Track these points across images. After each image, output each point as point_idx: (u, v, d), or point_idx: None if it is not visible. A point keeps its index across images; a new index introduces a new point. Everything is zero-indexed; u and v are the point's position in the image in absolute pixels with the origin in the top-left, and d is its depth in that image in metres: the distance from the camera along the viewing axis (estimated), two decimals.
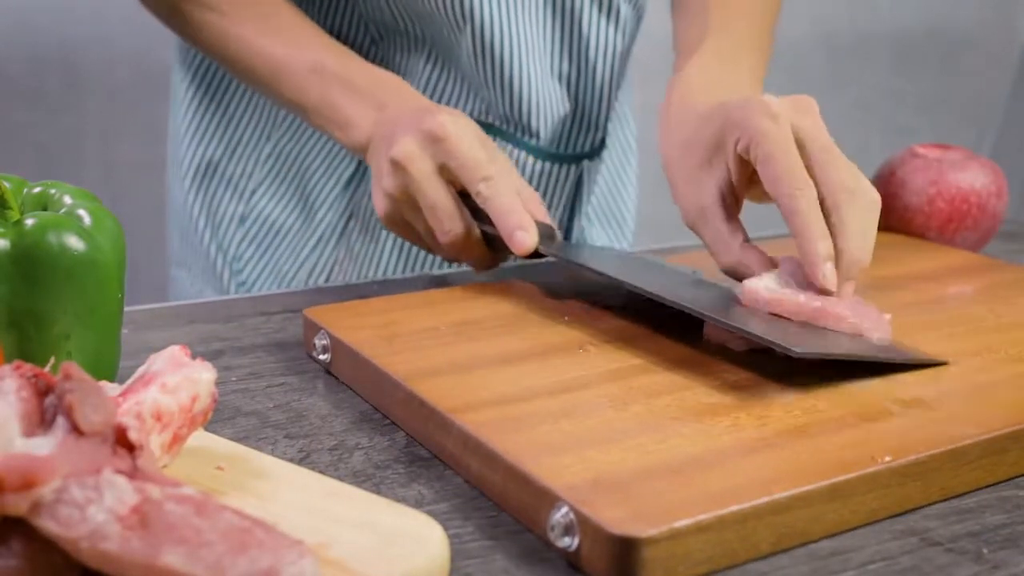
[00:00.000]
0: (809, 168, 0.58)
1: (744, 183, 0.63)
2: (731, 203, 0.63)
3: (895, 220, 0.83)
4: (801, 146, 0.59)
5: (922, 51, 2.10)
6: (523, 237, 0.65)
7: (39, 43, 1.44)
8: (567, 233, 0.93)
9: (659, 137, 0.70)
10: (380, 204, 0.70)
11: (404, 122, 0.69)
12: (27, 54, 1.44)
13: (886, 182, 0.85)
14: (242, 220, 0.90)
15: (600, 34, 0.86)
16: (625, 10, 0.87)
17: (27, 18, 1.25)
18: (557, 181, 0.89)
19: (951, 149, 0.85)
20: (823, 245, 0.57)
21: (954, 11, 2.12)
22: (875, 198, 0.59)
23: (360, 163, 0.88)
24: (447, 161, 0.66)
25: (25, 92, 1.45)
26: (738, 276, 0.61)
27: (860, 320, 0.56)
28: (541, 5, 0.83)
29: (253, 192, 0.90)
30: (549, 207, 0.90)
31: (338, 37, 0.84)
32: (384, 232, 0.87)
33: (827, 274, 0.57)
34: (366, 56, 0.85)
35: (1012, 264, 0.77)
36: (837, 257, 0.57)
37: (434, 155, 0.67)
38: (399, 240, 0.87)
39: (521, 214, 0.66)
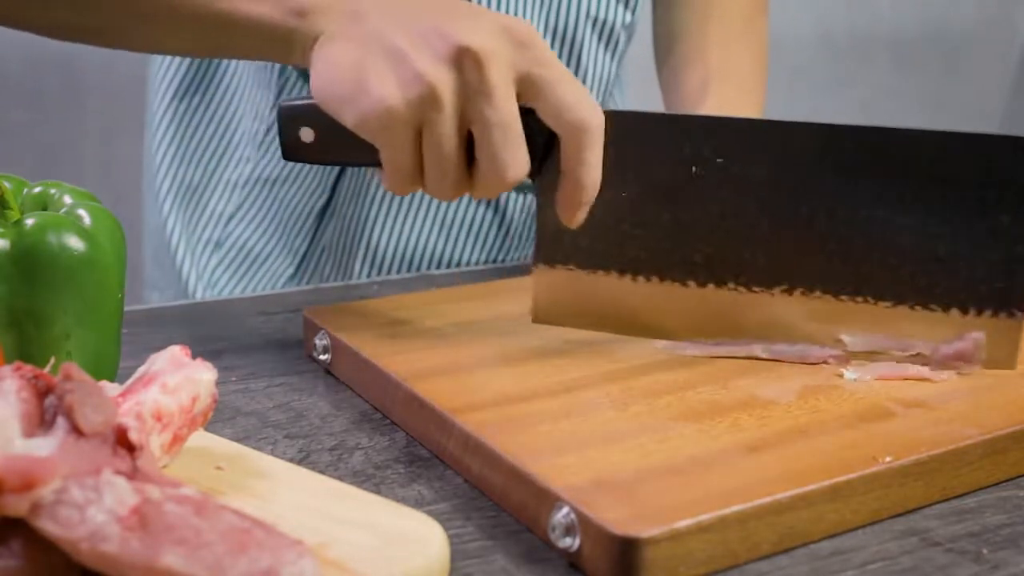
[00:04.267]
0: None
1: None
2: None
3: None
4: None
5: (922, 51, 2.10)
6: (584, 215, 0.55)
7: (39, 43, 1.44)
8: None
9: None
10: (392, 90, 0.51)
11: (458, 9, 0.54)
12: (27, 54, 1.44)
13: None
14: (218, 245, 0.89)
15: (597, 62, 0.86)
16: (623, 39, 0.87)
17: None
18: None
19: None
20: None
21: (954, 11, 2.12)
22: None
23: (333, 193, 0.85)
24: (537, 72, 0.52)
25: (25, 92, 1.45)
26: None
27: None
28: (541, 35, 0.83)
29: (230, 218, 0.89)
30: (532, 228, 0.89)
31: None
32: (357, 265, 0.86)
33: None
34: None
35: None
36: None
37: (520, 62, 0.52)
38: (371, 273, 0.86)
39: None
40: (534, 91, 0.52)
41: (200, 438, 0.45)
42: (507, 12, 0.79)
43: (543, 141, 0.54)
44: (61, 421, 0.36)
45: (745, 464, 0.45)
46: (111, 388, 0.42)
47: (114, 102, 1.49)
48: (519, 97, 0.52)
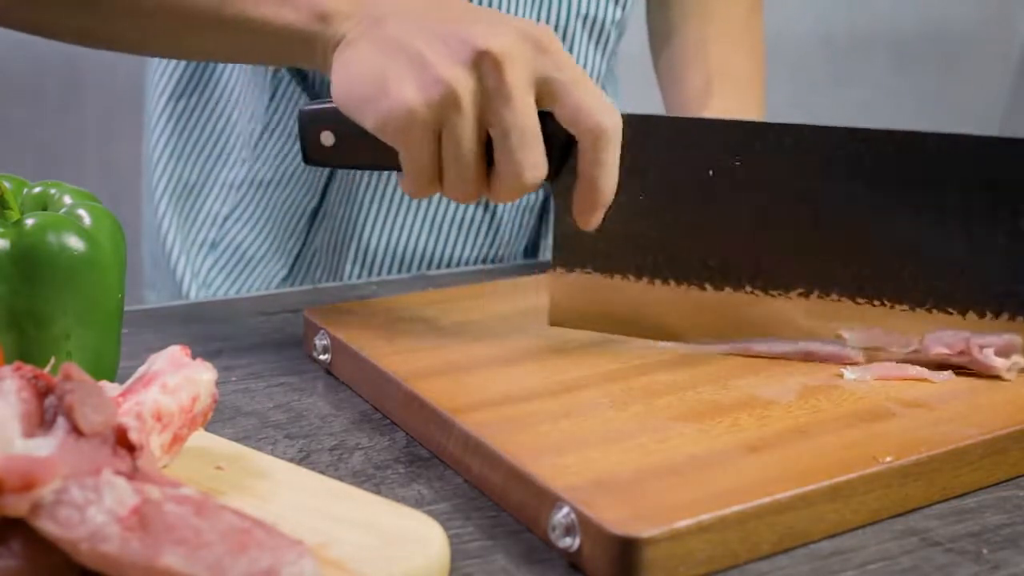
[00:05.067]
0: None
1: None
2: None
3: None
4: None
5: (922, 51, 2.10)
6: (601, 218, 0.55)
7: (39, 43, 1.44)
8: (542, 245, 0.93)
9: None
10: (412, 94, 0.52)
11: (478, 13, 0.55)
12: (27, 54, 1.44)
13: None
14: (214, 246, 0.89)
15: (587, 59, 0.86)
16: (613, 35, 0.87)
17: None
18: (537, 199, 0.89)
19: None
20: None
21: (954, 11, 2.12)
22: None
23: (324, 195, 0.86)
24: (554, 75, 0.52)
25: (25, 92, 1.45)
26: None
27: None
28: None
29: (226, 218, 0.89)
30: (522, 226, 0.90)
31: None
32: (348, 266, 0.86)
33: None
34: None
35: None
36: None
37: (538, 66, 0.52)
38: (363, 273, 0.86)
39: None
40: (552, 95, 0.52)
41: (200, 438, 0.45)
42: (499, 9, 0.79)
43: (561, 144, 0.54)
44: (61, 421, 0.36)
45: (745, 464, 0.45)
46: (111, 388, 0.42)
47: (114, 102, 1.49)
48: (537, 100, 0.52)
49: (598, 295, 0.59)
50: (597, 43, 0.86)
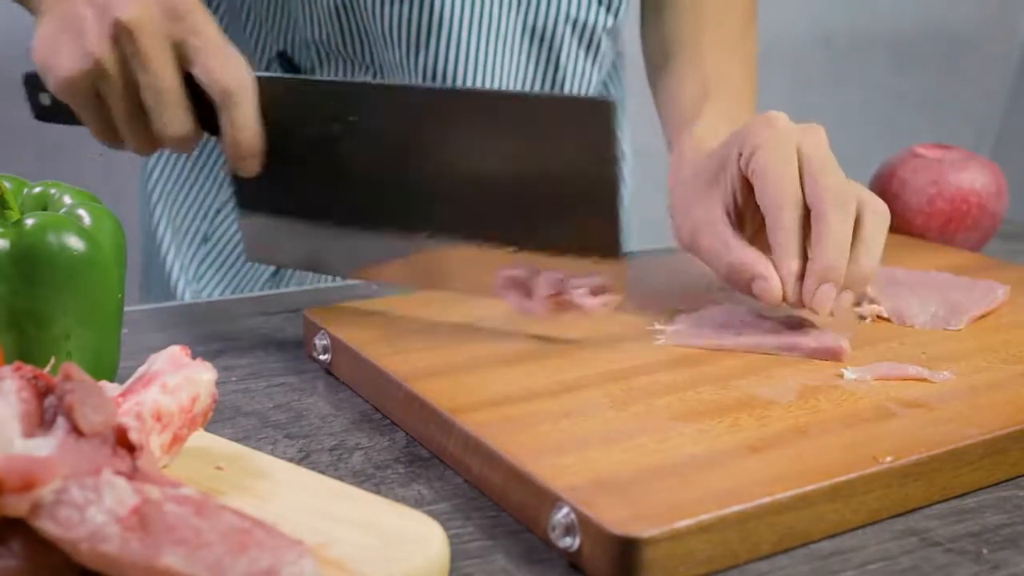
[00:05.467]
0: (803, 181, 0.58)
1: (747, 202, 0.61)
2: (735, 220, 0.62)
3: (895, 220, 0.83)
4: (800, 163, 0.58)
5: (922, 51, 2.10)
6: (254, 166, 0.61)
7: None
8: None
9: (668, 178, 0.70)
10: (70, 63, 0.58)
11: None
12: (27, 54, 1.44)
13: (886, 182, 0.85)
14: (206, 239, 0.89)
15: (577, 67, 0.86)
16: (605, 44, 0.87)
17: (28, 18, 1.25)
18: None
19: (951, 149, 0.85)
20: (794, 264, 0.57)
21: (954, 11, 2.12)
22: (881, 208, 0.58)
23: None
24: (188, 39, 0.58)
25: (25, 92, 1.45)
26: (738, 280, 0.60)
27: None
28: (519, 37, 0.82)
29: (218, 212, 0.89)
30: None
31: (286, 58, 0.83)
32: None
33: (790, 292, 0.57)
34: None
35: (1012, 264, 0.77)
36: (810, 263, 0.57)
37: (174, 31, 0.58)
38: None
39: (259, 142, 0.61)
40: (187, 58, 0.58)
41: (200, 438, 0.45)
42: (483, 13, 0.79)
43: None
44: (61, 421, 0.36)
45: (745, 464, 0.45)
46: (111, 388, 0.42)
47: None
48: (181, 65, 0.58)
49: (280, 235, 0.64)
50: (587, 49, 0.85)
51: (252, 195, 0.64)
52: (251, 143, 0.59)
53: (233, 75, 0.58)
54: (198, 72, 0.58)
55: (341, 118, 0.60)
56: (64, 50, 0.58)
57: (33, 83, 0.65)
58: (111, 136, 0.61)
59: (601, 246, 0.56)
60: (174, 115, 0.58)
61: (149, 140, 0.60)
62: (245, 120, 0.59)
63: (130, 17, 0.56)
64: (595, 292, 0.57)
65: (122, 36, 0.57)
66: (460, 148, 0.58)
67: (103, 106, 0.60)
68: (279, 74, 0.64)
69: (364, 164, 0.60)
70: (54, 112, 0.65)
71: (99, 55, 0.57)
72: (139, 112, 0.59)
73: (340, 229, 0.62)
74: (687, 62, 0.85)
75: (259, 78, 0.59)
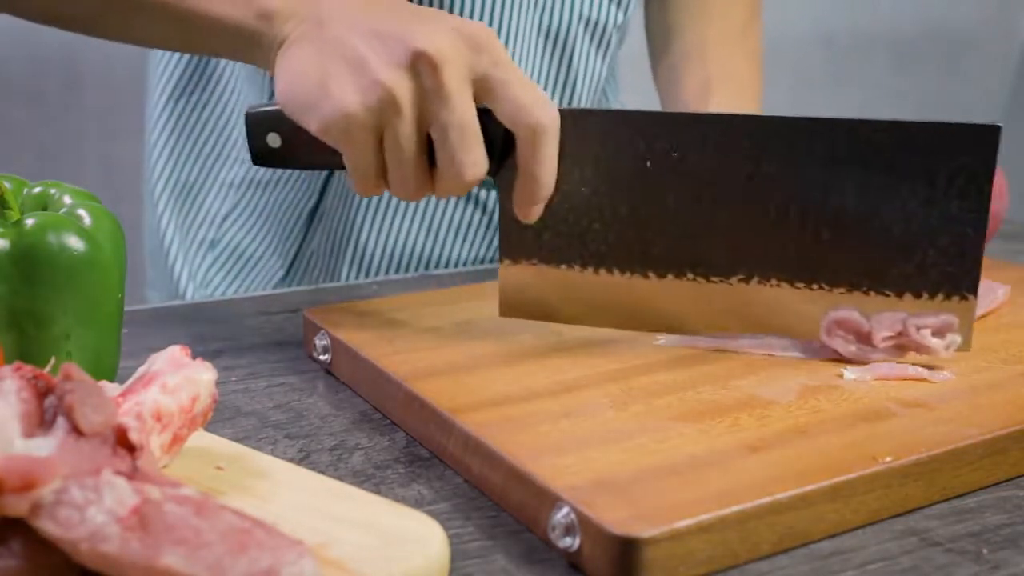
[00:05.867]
0: None
1: None
2: None
3: None
4: None
5: (922, 51, 2.10)
6: (539, 213, 0.57)
7: (39, 43, 1.45)
8: None
9: None
10: (351, 97, 0.52)
11: (418, 14, 0.55)
12: (27, 54, 1.44)
13: None
14: (212, 245, 0.89)
15: (588, 63, 0.86)
16: (614, 39, 0.87)
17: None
18: None
19: None
20: None
21: (954, 11, 2.12)
22: None
23: (321, 196, 0.85)
24: (491, 73, 0.53)
25: (25, 92, 1.45)
26: None
27: None
28: (534, 37, 0.82)
29: (225, 218, 0.89)
30: None
31: None
32: (345, 268, 0.86)
33: None
34: None
35: (1012, 264, 0.77)
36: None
37: (475, 64, 0.53)
38: (359, 275, 0.86)
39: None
40: (490, 92, 0.53)
41: (200, 438, 0.45)
42: (499, 13, 0.79)
43: (501, 139, 0.55)
44: (61, 421, 0.36)
45: (745, 464, 0.45)
46: (111, 388, 0.42)
47: (114, 102, 1.49)
48: (476, 98, 0.53)
49: (545, 286, 0.60)
50: (599, 47, 0.86)
51: (522, 242, 0.59)
52: (551, 183, 0.55)
53: (545, 109, 0.53)
54: (502, 106, 0.53)
55: (657, 152, 0.56)
56: (341, 82, 0.52)
57: (261, 122, 0.59)
58: (374, 179, 0.55)
59: (956, 284, 0.54)
60: (479, 154, 0.53)
61: (426, 183, 0.55)
62: (553, 159, 0.54)
63: (435, 49, 0.51)
64: (940, 332, 0.55)
65: (422, 68, 0.52)
66: (799, 181, 0.55)
67: (378, 146, 0.54)
68: (580, 107, 0.58)
69: (676, 201, 0.57)
70: (281, 154, 0.60)
71: (392, 87, 0.52)
72: (423, 152, 0.54)
73: (634, 275, 0.58)
74: (690, 52, 0.85)
75: (562, 111, 0.55)
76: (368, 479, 0.48)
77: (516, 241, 0.59)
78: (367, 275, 0.86)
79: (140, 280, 0.96)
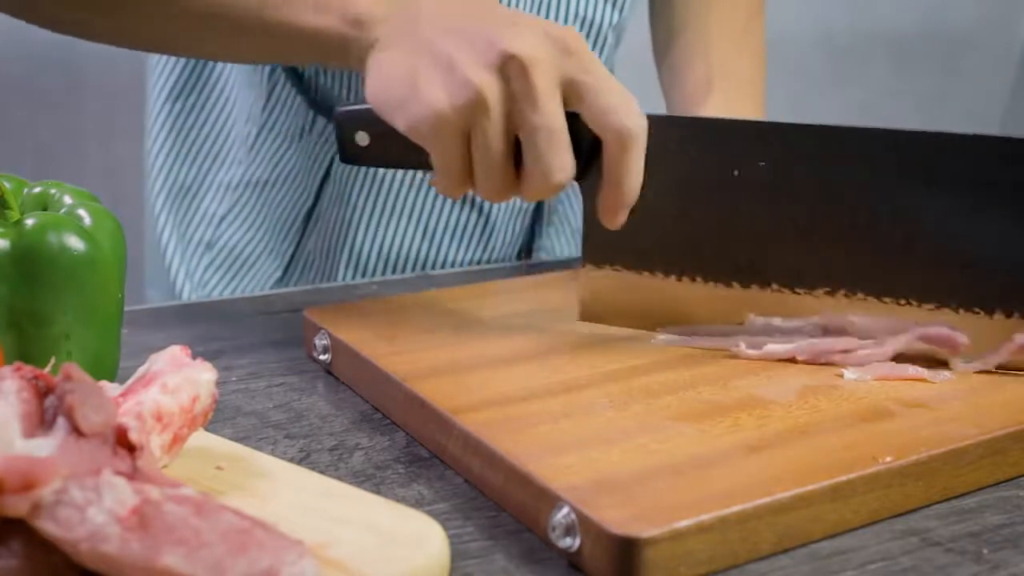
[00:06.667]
0: None
1: None
2: None
3: None
4: None
5: (922, 51, 2.10)
6: (623, 219, 0.56)
7: (39, 43, 1.45)
8: (535, 247, 0.93)
9: None
10: (442, 96, 0.53)
11: (509, 17, 0.55)
12: (27, 54, 1.45)
13: None
14: (210, 246, 0.89)
15: None
16: (611, 39, 0.87)
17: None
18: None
19: None
20: None
21: (954, 11, 2.12)
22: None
23: (318, 198, 0.86)
24: (581, 77, 0.53)
25: (25, 92, 1.45)
26: None
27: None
28: None
29: (222, 219, 0.89)
30: (516, 230, 0.90)
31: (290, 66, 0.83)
32: (341, 269, 0.86)
33: None
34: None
35: None
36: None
37: (565, 68, 0.53)
38: (355, 276, 0.86)
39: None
40: (578, 96, 0.53)
41: (200, 438, 0.45)
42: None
43: (588, 144, 0.55)
44: (61, 421, 0.36)
45: (745, 464, 0.45)
46: (111, 388, 0.42)
47: (114, 102, 1.49)
48: (564, 102, 0.53)
49: (626, 291, 0.60)
50: (594, 46, 0.86)
51: (602, 247, 0.59)
52: (637, 190, 0.54)
53: (633, 116, 0.53)
54: (590, 111, 0.53)
55: (745, 162, 0.56)
56: (431, 82, 0.53)
57: (350, 120, 0.60)
58: (461, 179, 0.56)
59: None
60: (566, 158, 0.53)
61: (512, 184, 0.55)
62: (639, 165, 0.54)
63: (526, 52, 0.52)
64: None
65: (512, 70, 0.52)
66: (894, 195, 0.54)
67: (466, 146, 0.54)
68: (666, 113, 0.57)
69: (762, 212, 0.57)
70: (369, 153, 0.61)
71: (482, 87, 0.52)
72: (510, 154, 0.54)
73: (718, 284, 0.58)
74: (692, 48, 0.86)
75: (652, 118, 0.55)
76: (368, 479, 0.48)
77: (598, 246, 0.59)
78: (363, 277, 0.86)
79: (140, 280, 0.96)
